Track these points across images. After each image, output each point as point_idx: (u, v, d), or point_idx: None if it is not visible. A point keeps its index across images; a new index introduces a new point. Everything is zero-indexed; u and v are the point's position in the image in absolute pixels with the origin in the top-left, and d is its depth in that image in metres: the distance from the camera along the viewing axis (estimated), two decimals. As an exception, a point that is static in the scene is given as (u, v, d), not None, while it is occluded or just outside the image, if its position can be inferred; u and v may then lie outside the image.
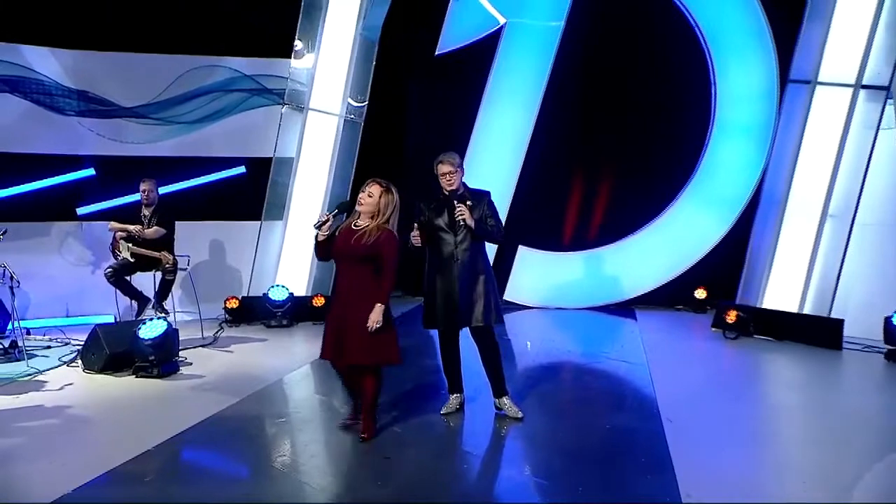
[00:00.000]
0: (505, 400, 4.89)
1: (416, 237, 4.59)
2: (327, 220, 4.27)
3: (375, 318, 4.12)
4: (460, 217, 4.59)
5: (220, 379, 5.74)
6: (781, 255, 7.81)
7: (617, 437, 4.58)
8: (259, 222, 8.12)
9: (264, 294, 7.78)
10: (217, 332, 7.33)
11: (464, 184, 4.78)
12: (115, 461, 4.01)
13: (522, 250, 8.98)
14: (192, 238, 7.75)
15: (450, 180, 4.68)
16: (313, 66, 8.20)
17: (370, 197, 4.26)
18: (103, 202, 7.81)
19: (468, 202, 4.66)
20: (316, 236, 4.31)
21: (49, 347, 6.56)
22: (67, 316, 7.72)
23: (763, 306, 7.71)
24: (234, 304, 7.78)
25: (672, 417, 4.89)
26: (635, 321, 8.32)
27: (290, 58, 8.14)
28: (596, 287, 8.90)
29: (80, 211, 7.80)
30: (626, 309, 8.81)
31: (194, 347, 6.70)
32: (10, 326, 7.04)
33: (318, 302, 7.88)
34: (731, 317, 7.41)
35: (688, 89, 8.72)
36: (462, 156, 8.71)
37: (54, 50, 7.59)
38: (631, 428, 4.72)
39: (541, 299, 8.95)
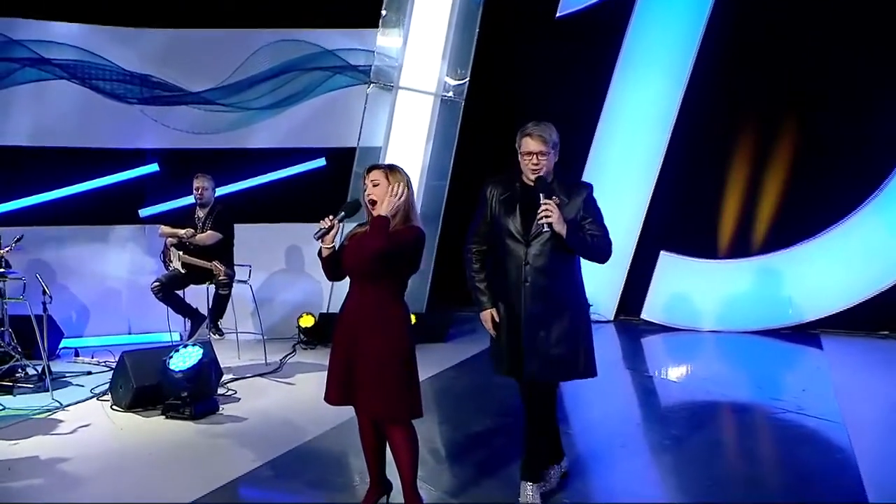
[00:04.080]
0: (528, 487, 3.54)
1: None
2: (331, 228, 3.31)
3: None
4: (545, 219, 3.29)
5: (264, 423, 4.83)
6: None
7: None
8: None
9: (344, 311, 6.85)
10: (285, 357, 6.49)
11: (556, 169, 3.50)
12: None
13: (665, 257, 7.81)
14: (264, 244, 7.11)
15: (537, 164, 3.41)
16: (404, 36, 7.29)
17: (375, 186, 3.30)
18: (167, 202, 7.20)
19: (555, 197, 3.37)
20: (319, 252, 3.37)
21: (89, 374, 5.93)
22: (129, 333, 7.19)
23: None
24: (308, 321, 6.93)
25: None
26: (821, 351, 6.75)
27: (377, 28, 7.29)
28: (764, 305, 7.51)
29: (143, 212, 7.27)
30: (806, 334, 7.28)
31: (251, 377, 5.87)
32: (60, 345, 6.59)
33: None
34: (967, 353, 5.60)
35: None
36: (590, 140, 7.90)
37: (114, 29, 7.10)
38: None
39: (688, 319, 7.71)
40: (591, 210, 3.45)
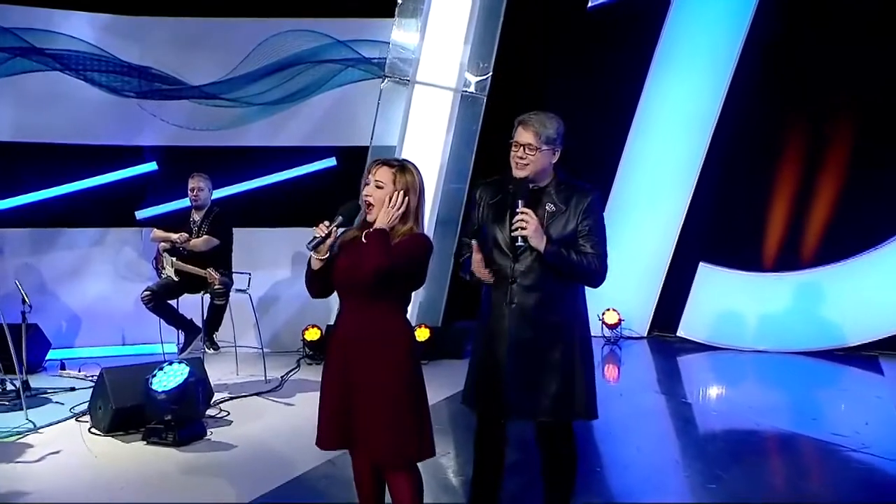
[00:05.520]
0: None
1: (479, 264, 2.90)
2: (328, 236, 2.81)
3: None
4: (519, 230, 2.87)
5: (254, 452, 4.40)
6: None
7: None
8: (351, 229, 6.86)
9: (352, 322, 6.49)
10: (287, 374, 6.08)
11: (558, 170, 3.04)
12: None
13: (705, 269, 7.43)
14: (267, 250, 6.80)
15: (522, 158, 2.94)
16: (422, 26, 6.94)
17: (379, 188, 2.81)
18: (166, 204, 6.86)
19: (549, 206, 2.94)
20: (309, 262, 2.87)
21: (73, 390, 5.55)
22: (123, 344, 6.86)
23: None
24: (314, 334, 6.56)
25: None
26: (881, 377, 6.25)
27: (392, 17, 6.97)
28: (814, 323, 7.10)
29: (140, 215, 6.95)
30: (863, 357, 6.79)
31: (247, 396, 5.47)
32: (47, 356, 6.25)
33: (423, 335, 6.41)
34: None
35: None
36: (623, 140, 7.44)
37: (111, 17, 6.83)
38: None
39: (729, 337, 7.32)
40: (591, 220, 2.96)
